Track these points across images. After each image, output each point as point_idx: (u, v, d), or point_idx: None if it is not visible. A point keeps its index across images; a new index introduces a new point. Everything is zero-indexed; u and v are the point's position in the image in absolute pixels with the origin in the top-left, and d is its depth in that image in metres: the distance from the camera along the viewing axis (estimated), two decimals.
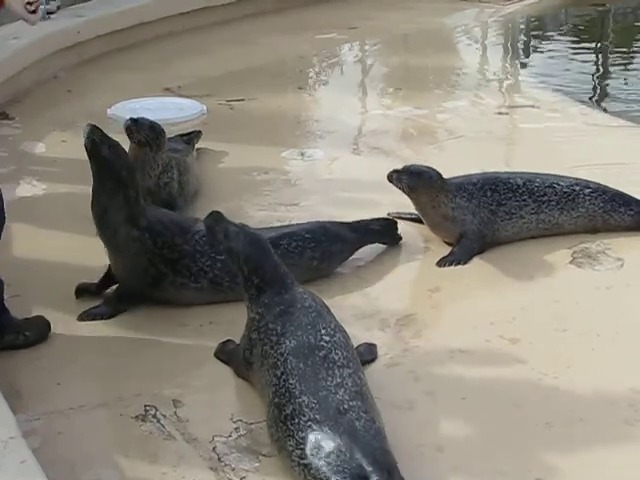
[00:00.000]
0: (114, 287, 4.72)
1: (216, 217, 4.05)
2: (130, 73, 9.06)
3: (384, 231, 5.28)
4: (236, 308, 4.65)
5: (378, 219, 5.31)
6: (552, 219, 5.33)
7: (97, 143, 4.46)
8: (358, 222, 5.19)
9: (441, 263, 5.14)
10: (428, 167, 5.29)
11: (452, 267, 5.09)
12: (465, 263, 5.12)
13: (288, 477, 3.42)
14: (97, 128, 4.51)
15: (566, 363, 4.16)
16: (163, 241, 4.59)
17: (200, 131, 6.92)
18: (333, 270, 4.96)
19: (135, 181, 4.59)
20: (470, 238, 5.20)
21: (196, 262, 4.61)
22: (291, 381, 3.44)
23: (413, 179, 5.17)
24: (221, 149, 6.89)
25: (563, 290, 4.86)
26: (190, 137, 6.73)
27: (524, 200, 5.29)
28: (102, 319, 4.54)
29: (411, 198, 5.26)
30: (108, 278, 4.79)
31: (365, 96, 8.94)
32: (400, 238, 5.32)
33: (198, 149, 6.79)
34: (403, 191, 5.21)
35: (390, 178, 5.20)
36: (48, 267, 5.06)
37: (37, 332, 4.37)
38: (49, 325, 4.42)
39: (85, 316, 4.55)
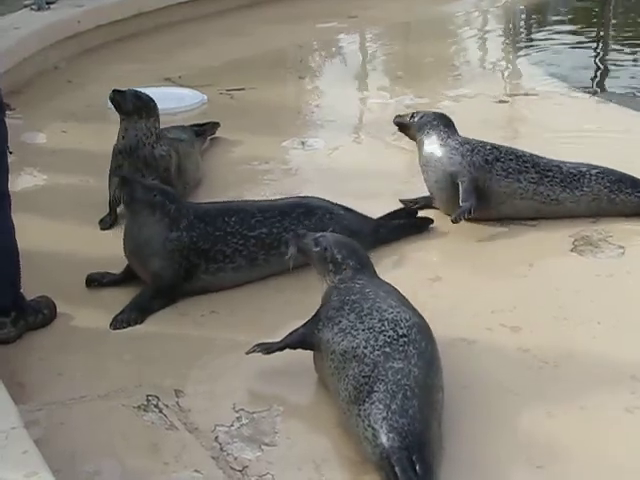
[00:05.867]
0: (142, 290, 4.65)
1: (301, 234, 4.24)
2: (130, 63, 9.05)
3: (410, 224, 5.34)
4: (237, 298, 4.68)
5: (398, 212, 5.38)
6: (551, 194, 5.34)
7: (131, 190, 4.58)
8: (384, 219, 5.26)
9: (456, 219, 5.21)
10: (431, 111, 5.78)
11: (464, 221, 5.22)
12: (473, 207, 5.18)
13: (290, 466, 3.44)
14: (125, 178, 4.66)
15: (567, 351, 4.16)
16: (198, 234, 4.63)
17: (217, 123, 6.92)
18: None
19: (171, 197, 4.66)
20: (464, 183, 5.27)
21: (228, 244, 4.67)
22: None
23: (407, 120, 5.63)
24: (221, 138, 6.89)
25: (564, 278, 4.86)
26: (204, 128, 6.75)
27: (525, 167, 5.35)
28: (136, 324, 4.46)
29: (410, 137, 5.65)
30: (126, 275, 4.79)
31: (365, 85, 8.93)
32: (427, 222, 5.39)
33: (212, 139, 6.84)
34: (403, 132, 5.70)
35: (394, 122, 5.73)
36: (49, 257, 5.06)
37: (50, 310, 4.46)
38: (54, 303, 4.49)
39: (118, 324, 4.44)
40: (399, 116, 5.73)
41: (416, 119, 5.56)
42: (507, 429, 3.64)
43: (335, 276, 4.02)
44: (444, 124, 5.52)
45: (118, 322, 4.45)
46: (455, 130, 5.54)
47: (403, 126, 5.65)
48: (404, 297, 3.93)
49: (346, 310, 3.76)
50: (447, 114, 5.69)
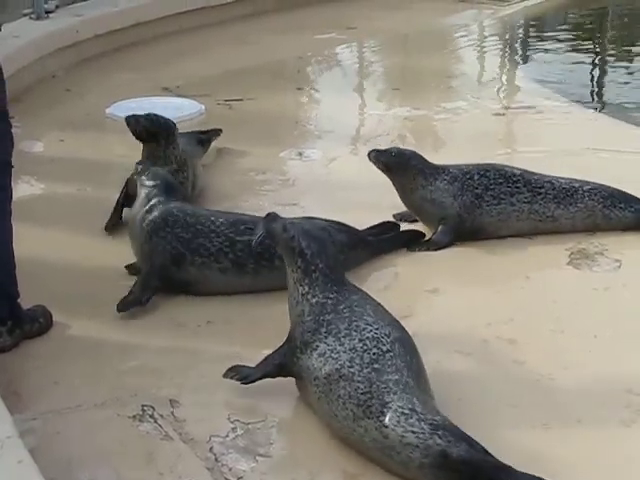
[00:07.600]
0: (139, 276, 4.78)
1: (272, 216, 4.06)
2: (128, 73, 9.06)
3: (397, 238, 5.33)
4: (233, 308, 4.67)
5: (383, 226, 5.36)
6: (547, 211, 5.33)
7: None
8: (372, 230, 5.26)
9: (414, 248, 5.21)
10: (408, 150, 5.46)
11: (435, 253, 5.19)
12: (438, 249, 5.19)
13: (285, 478, 3.43)
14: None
15: (563, 364, 4.16)
16: (174, 219, 4.75)
17: (220, 129, 6.90)
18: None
19: (170, 190, 4.99)
20: (448, 224, 5.24)
21: (212, 241, 4.72)
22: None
23: (389, 158, 5.32)
24: (219, 149, 6.89)
25: (560, 291, 4.87)
26: (208, 135, 6.74)
27: (517, 187, 5.30)
28: (140, 305, 4.58)
29: (390, 178, 5.38)
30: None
31: (363, 96, 8.94)
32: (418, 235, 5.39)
33: (220, 148, 6.85)
34: (382, 170, 5.37)
35: (370, 156, 5.37)
36: (46, 266, 5.06)
37: (46, 318, 4.46)
38: (50, 312, 4.49)
39: (123, 306, 4.56)
40: (376, 151, 5.41)
41: (391, 158, 5.32)
42: (503, 441, 3.62)
43: (304, 278, 3.84)
44: (421, 163, 5.34)
45: (123, 305, 4.58)
46: (430, 164, 5.37)
47: (385, 165, 5.34)
48: (377, 304, 3.85)
49: (322, 333, 3.68)
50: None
